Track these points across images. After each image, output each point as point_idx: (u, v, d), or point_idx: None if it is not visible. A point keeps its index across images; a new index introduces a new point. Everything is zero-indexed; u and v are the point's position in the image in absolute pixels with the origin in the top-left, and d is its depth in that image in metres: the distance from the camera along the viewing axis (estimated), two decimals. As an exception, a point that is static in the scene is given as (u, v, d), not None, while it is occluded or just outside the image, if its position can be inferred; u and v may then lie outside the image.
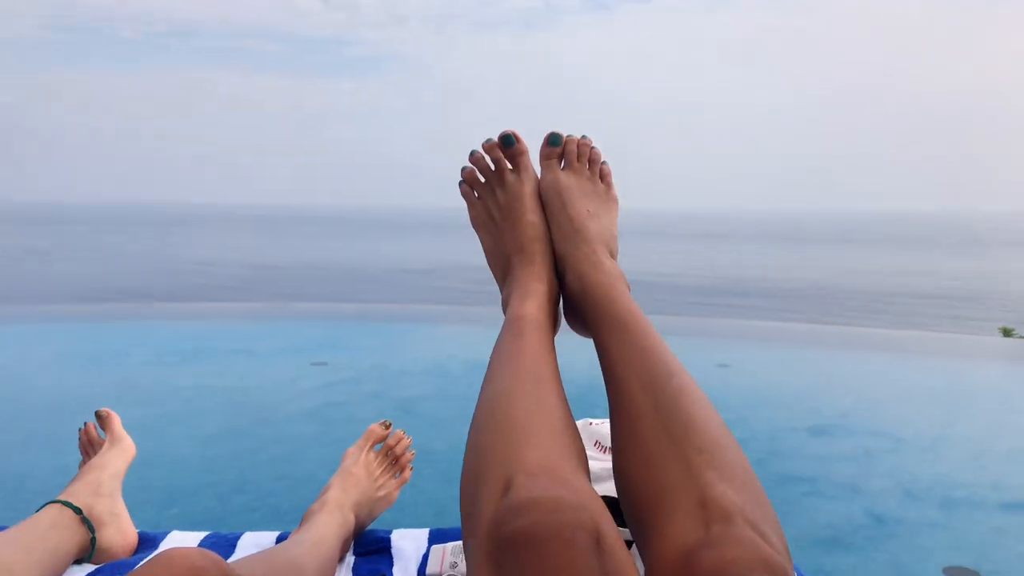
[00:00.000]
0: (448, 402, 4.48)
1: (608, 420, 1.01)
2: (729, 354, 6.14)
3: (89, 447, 1.27)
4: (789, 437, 3.90)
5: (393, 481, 1.25)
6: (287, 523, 2.68)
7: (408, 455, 1.27)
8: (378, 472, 1.23)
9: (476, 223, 1.01)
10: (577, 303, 0.89)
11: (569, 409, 0.73)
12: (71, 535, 1.04)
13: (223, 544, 1.18)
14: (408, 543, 1.18)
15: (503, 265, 0.97)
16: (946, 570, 2.41)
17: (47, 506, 1.07)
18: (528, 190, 0.96)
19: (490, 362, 0.80)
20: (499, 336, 0.84)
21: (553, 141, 1.00)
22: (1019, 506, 3.04)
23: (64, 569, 1.02)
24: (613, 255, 0.95)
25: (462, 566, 0.99)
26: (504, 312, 0.92)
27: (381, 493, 1.22)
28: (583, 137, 1.01)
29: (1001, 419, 4.47)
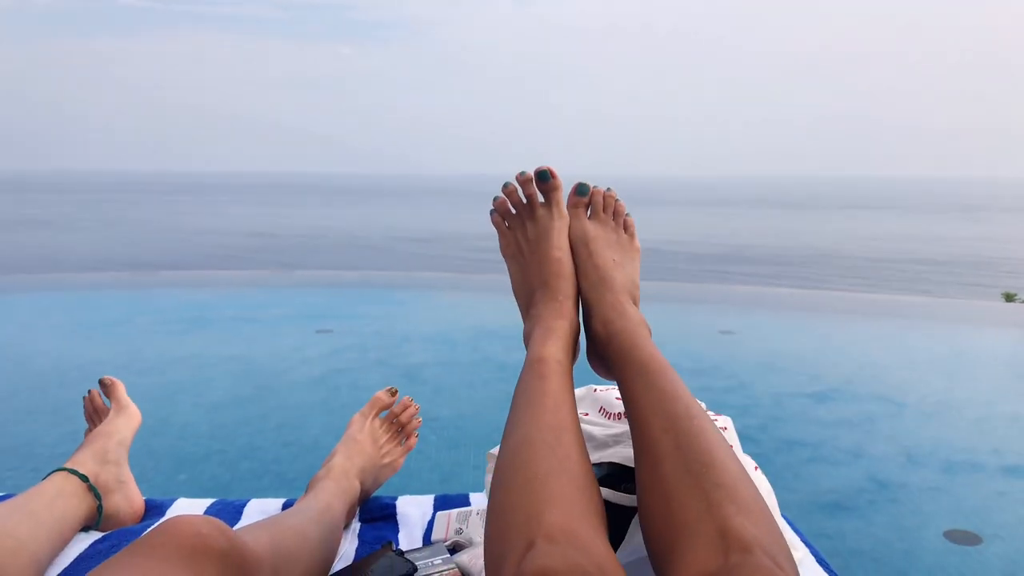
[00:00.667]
0: (451, 369, 4.50)
1: (612, 387, 1.02)
2: (732, 321, 6.15)
3: (95, 415, 1.27)
4: (792, 403, 3.91)
5: (399, 448, 1.25)
6: (293, 489, 2.71)
7: (414, 423, 1.27)
8: (384, 439, 1.23)
9: (505, 253, 1.04)
10: (602, 347, 0.91)
11: (588, 459, 0.75)
12: (78, 502, 1.04)
13: (229, 511, 1.19)
14: (413, 509, 1.19)
15: (527, 298, 1.00)
16: (947, 533, 2.43)
17: (53, 474, 1.06)
18: (558, 226, 1.00)
19: (513, 404, 0.82)
20: (521, 376, 0.86)
21: (581, 191, 1.03)
22: (1020, 470, 3.05)
23: (71, 536, 1.02)
24: (636, 302, 0.99)
25: (467, 531, 1.00)
26: (525, 344, 0.95)
27: (386, 460, 1.22)
28: (608, 189, 1.06)
29: (1003, 384, 4.48)
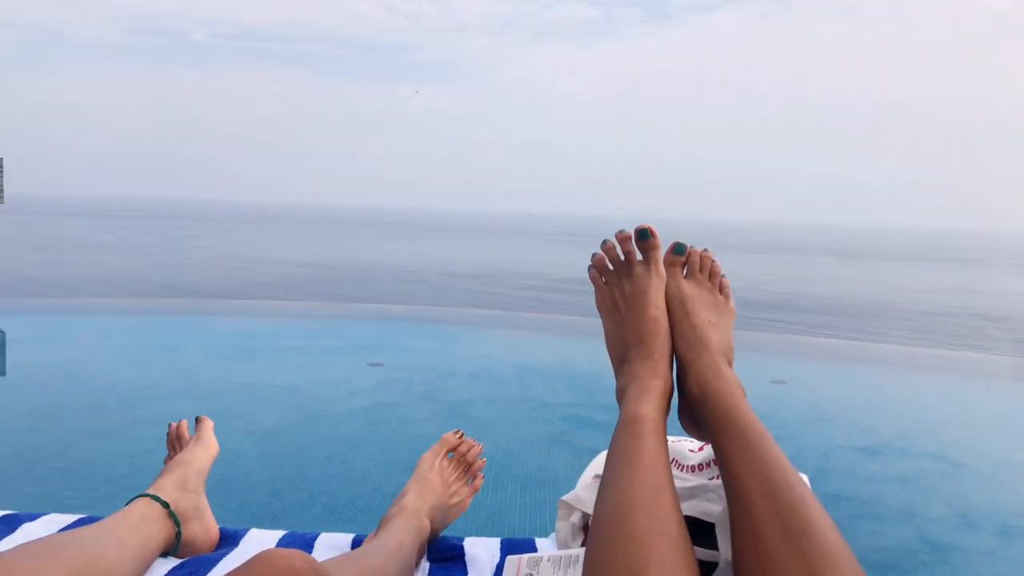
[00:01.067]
0: (497, 406, 4.51)
1: (683, 439, 1.03)
2: (785, 370, 6.07)
3: (176, 442, 1.34)
4: (842, 456, 3.84)
5: (466, 488, 1.28)
6: (342, 520, 2.74)
7: (479, 463, 1.30)
8: (452, 479, 1.26)
9: (601, 308, 1.05)
10: (697, 407, 0.92)
11: (683, 519, 0.76)
12: (159, 529, 1.07)
13: (301, 543, 1.22)
14: (481, 551, 1.20)
15: (621, 353, 1.00)
16: (1004, 601, 2.36)
17: (137, 499, 1.10)
18: (655, 284, 1.01)
19: (608, 461, 0.84)
20: (616, 432, 0.88)
21: (678, 250, 1.05)
22: (1083, 538, 2.95)
23: (152, 561, 1.05)
24: (730, 363, 1.00)
25: None
26: (618, 400, 0.96)
27: (455, 500, 1.25)
28: (705, 250, 1.08)
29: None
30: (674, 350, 0.99)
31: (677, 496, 0.78)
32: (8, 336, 5.92)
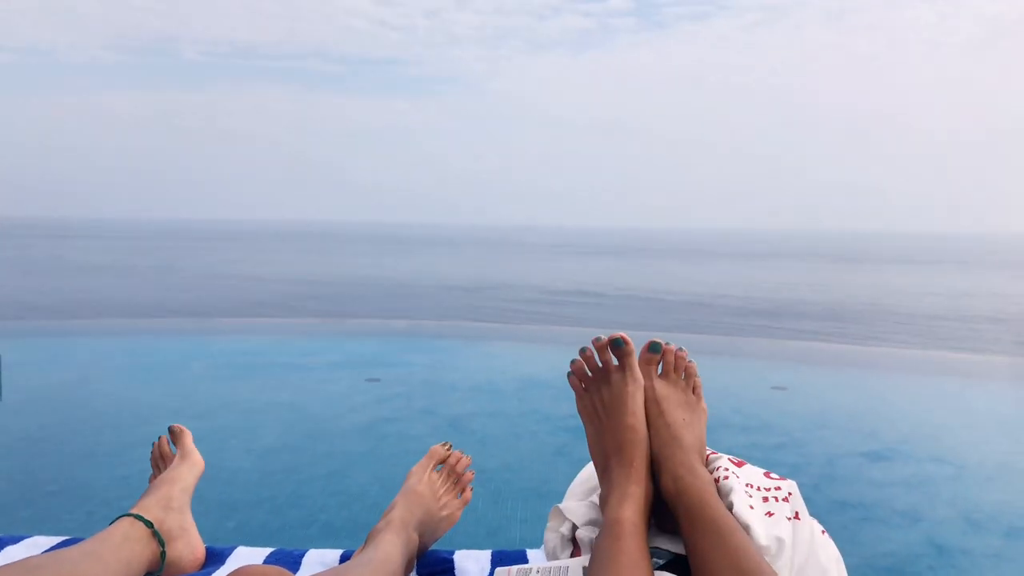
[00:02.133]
0: (498, 420, 4.49)
1: (721, 454, 1.04)
2: (784, 376, 6.05)
3: (160, 460, 1.30)
4: (846, 462, 3.81)
5: (456, 501, 1.26)
6: (341, 539, 2.71)
7: (468, 475, 1.28)
8: (441, 491, 1.25)
9: (582, 414, 1.09)
10: (671, 502, 0.96)
11: None
12: (142, 548, 1.06)
13: (288, 560, 1.21)
14: (471, 564, 1.19)
15: (603, 461, 1.04)
16: (1012, 603, 2.33)
17: (120, 519, 1.08)
18: (631, 391, 1.05)
19: (591, 563, 0.88)
20: (599, 536, 0.92)
21: (653, 349, 1.09)
22: (1090, 538, 2.93)
23: None
24: (703, 461, 1.03)
25: None
26: (601, 506, 1.01)
27: (444, 513, 1.23)
28: (680, 349, 1.11)
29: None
30: (651, 446, 1.03)
31: None
32: (3, 359, 5.90)
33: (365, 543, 1.09)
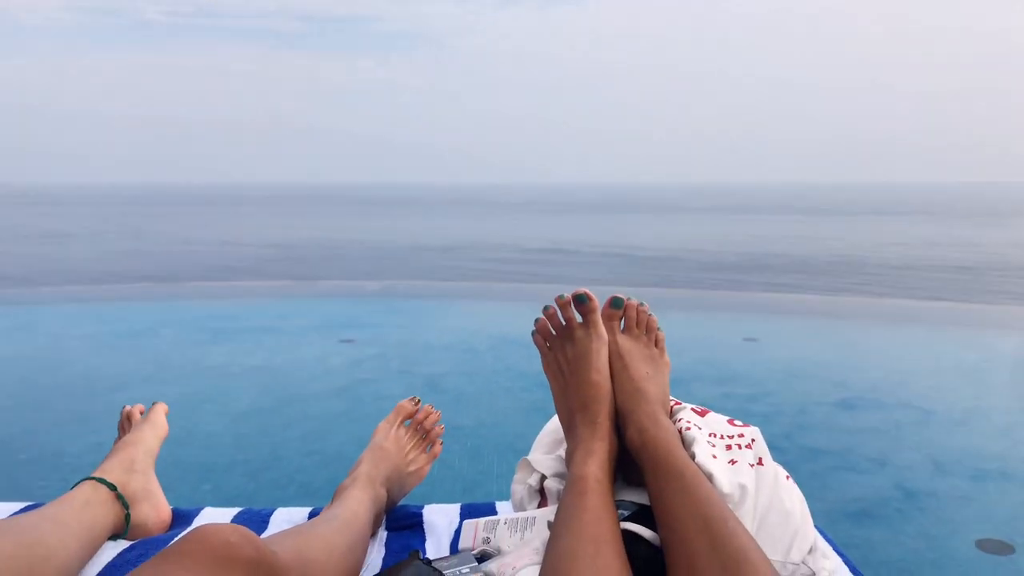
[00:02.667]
0: (473, 378, 4.50)
1: (684, 404, 1.05)
2: (756, 328, 6.12)
3: (127, 424, 1.28)
4: (817, 410, 3.88)
5: (424, 456, 1.26)
6: (318, 499, 2.71)
7: (437, 429, 1.27)
8: (409, 447, 1.24)
9: (547, 372, 1.09)
10: (636, 454, 0.97)
11: (628, 569, 0.81)
12: (106, 512, 1.04)
13: (256, 520, 1.19)
14: (440, 518, 1.18)
15: (568, 418, 1.05)
16: (979, 543, 2.40)
17: (81, 483, 1.06)
18: (595, 347, 1.05)
19: (555, 518, 0.89)
20: (564, 493, 0.93)
21: (616, 304, 1.09)
22: (1053, 478, 3.01)
23: (100, 545, 1.02)
24: (667, 413, 1.04)
25: (495, 540, 0.99)
26: (566, 463, 1.02)
27: (412, 468, 1.23)
28: (641, 304, 1.11)
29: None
30: (616, 400, 1.04)
31: (621, 547, 0.83)
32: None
33: (332, 500, 1.08)
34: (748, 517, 0.91)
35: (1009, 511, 2.71)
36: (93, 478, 1.08)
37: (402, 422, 1.26)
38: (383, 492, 1.14)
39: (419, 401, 1.29)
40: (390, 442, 1.22)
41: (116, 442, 1.23)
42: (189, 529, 1.01)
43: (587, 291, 1.05)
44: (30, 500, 1.21)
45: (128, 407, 1.31)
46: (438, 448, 1.29)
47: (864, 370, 4.78)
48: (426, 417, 1.29)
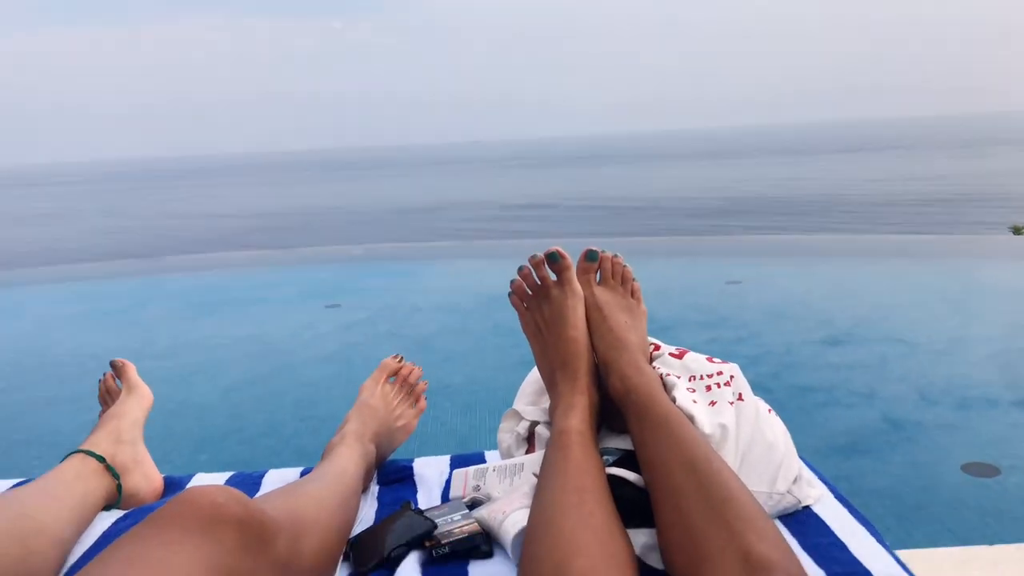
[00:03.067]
0: (462, 336, 4.52)
1: (700, 355, 1.05)
2: (739, 271, 6.14)
3: (108, 396, 1.27)
4: (804, 349, 3.92)
5: (411, 411, 1.27)
6: (313, 460, 2.74)
7: (421, 385, 1.29)
8: (395, 402, 1.25)
9: (526, 332, 1.12)
10: (620, 401, 0.98)
11: (616, 517, 0.82)
12: (97, 483, 1.04)
13: (248, 482, 1.19)
14: (430, 470, 1.20)
15: (549, 376, 1.06)
16: (965, 467, 2.45)
17: (70, 456, 1.06)
18: (571, 304, 1.06)
19: (540, 472, 0.91)
20: (547, 448, 0.94)
21: (590, 257, 1.11)
22: (1035, 402, 3.06)
23: (93, 516, 1.02)
24: (647, 359, 1.06)
25: (484, 488, 1.00)
26: (549, 419, 1.03)
27: (400, 423, 1.24)
28: (615, 255, 1.13)
29: (1015, 318, 4.48)
30: (595, 352, 1.05)
31: (606, 495, 0.84)
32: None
33: (321, 458, 1.09)
34: (731, 455, 0.93)
35: (994, 435, 2.77)
36: (81, 451, 1.08)
37: (387, 379, 1.27)
38: (372, 448, 1.15)
39: (402, 358, 1.30)
40: (376, 399, 1.23)
41: (101, 415, 1.23)
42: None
43: (559, 249, 1.06)
44: (25, 477, 1.21)
45: (101, 382, 1.30)
46: (423, 403, 1.31)
47: (849, 307, 4.82)
48: (410, 373, 1.30)
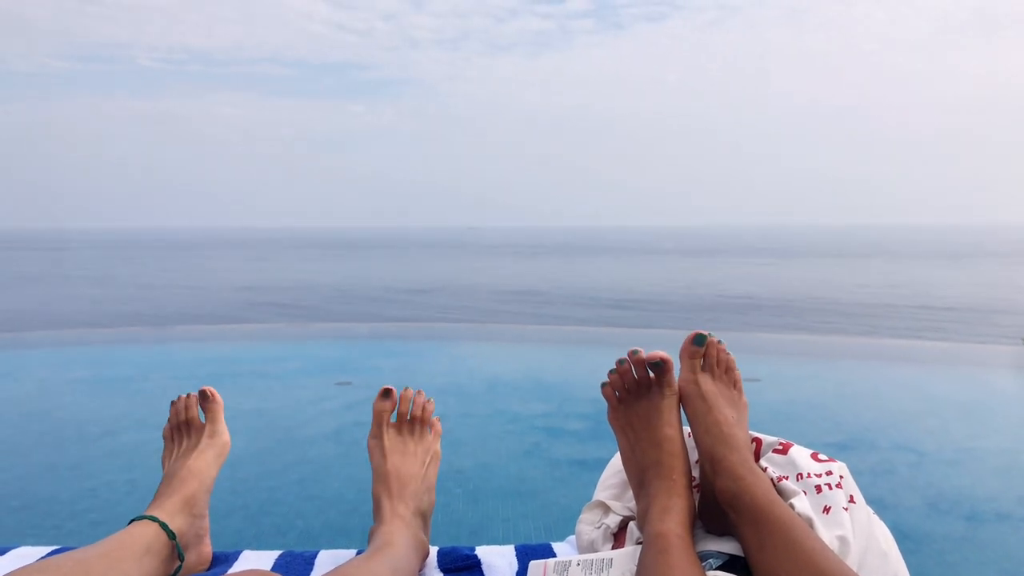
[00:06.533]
0: (470, 420, 4.48)
1: (764, 438, 1.03)
2: (758, 368, 6.12)
3: (184, 428, 1.18)
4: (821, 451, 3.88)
5: (428, 439, 1.17)
6: (320, 544, 2.70)
7: (429, 407, 1.20)
8: (410, 444, 1.16)
9: (614, 425, 1.05)
10: (728, 504, 0.92)
11: None
12: (160, 562, 0.99)
13: (299, 562, 1.14)
14: (498, 559, 1.14)
15: (638, 474, 1.00)
16: (977, 584, 2.40)
17: (142, 522, 1.00)
18: (668, 404, 1.01)
19: None
20: (643, 551, 0.88)
21: (698, 341, 1.05)
22: (1049, 519, 3.02)
23: None
24: (755, 457, 1.00)
25: None
26: (639, 522, 0.97)
27: (426, 459, 1.16)
28: (720, 341, 1.07)
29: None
30: (699, 445, 0.99)
31: None
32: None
33: (369, 541, 1.04)
34: (851, 566, 0.86)
35: (1004, 552, 2.71)
36: (157, 521, 1.01)
37: (387, 422, 1.17)
38: (409, 514, 1.09)
39: (391, 390, 1.18)
40: (390, 456, 1.14)
41: (168, 456, 1.14)
42: (229, 573, 0.97)
43: (664, 356, 1.01)
44: (32, 544, 1.18)
45: (183, 397, 1.18)
46: (438, 426, 1.20)
47: (859, 411, 4.79)
48: (410, 404, 1.19)
